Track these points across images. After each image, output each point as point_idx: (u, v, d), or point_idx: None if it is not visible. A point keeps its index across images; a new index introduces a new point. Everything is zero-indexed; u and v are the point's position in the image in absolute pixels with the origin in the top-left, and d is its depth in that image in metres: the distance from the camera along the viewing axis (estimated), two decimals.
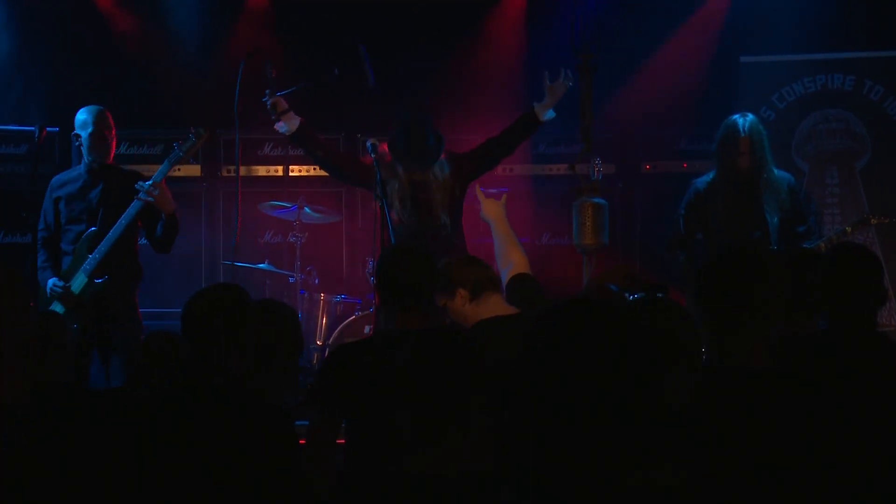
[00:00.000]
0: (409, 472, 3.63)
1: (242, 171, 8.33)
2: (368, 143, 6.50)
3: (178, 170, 8.09)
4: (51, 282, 6.37)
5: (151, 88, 8.54)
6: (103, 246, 6.31)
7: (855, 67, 7.75)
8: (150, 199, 6.28)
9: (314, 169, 8.39)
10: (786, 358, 3.03)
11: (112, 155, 6.50)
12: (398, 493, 3.63)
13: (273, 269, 7.84)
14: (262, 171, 8.44)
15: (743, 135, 6.61)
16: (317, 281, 7.89)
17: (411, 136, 6.51)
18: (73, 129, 6.49)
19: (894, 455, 3.07)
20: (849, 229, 6.89)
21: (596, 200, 6.52)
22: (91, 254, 6.33)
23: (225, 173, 8.45)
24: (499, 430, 3.77)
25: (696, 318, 2.94)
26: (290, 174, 8.37)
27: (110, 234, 6.31)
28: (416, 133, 6.51)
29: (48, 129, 7.37)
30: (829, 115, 7.76)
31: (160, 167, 6.38)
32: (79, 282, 6.34)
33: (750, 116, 6.74)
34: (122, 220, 6.31)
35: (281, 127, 6.62)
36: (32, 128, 7.40)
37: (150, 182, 6.31)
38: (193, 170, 8.37)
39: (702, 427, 2.70)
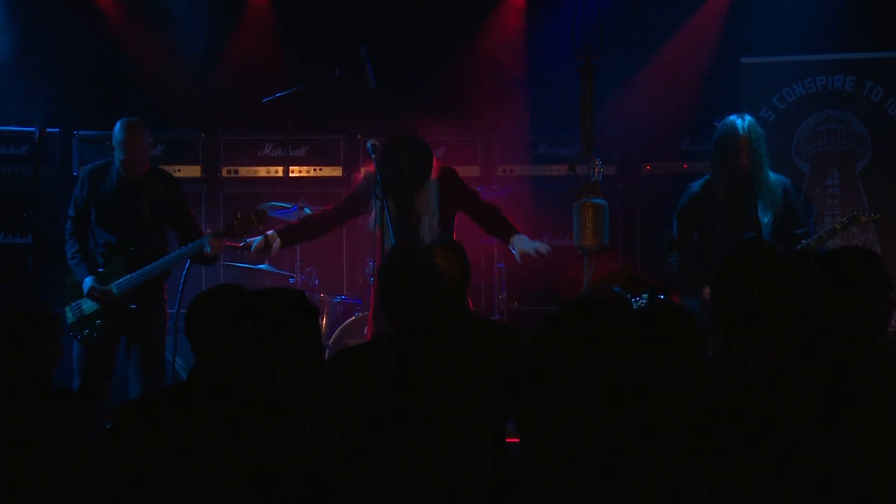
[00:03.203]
0: (411, 473, 3.62)
1: (244, 171, 8.39)
2: (369, 144, 6.47)
3: (179, 170, 8.09)
4: (90, 280, 6.39)
5: (152, 89, 8.54)
6: (139, 277, 6.38)
7: (855, 68, 7.74)
8: (214, 252, 6.52)
9: (314, 169, 8.40)
10: (796, 359, 3.03)
11: (144, 166, 6.56)
12: (399, 494, 3.63)
13: (273, 269, 7.84)
14: (262, 171, 8.44)
15: (742, 134, 6.56)
16: (317, 282, 7.89)
17: (398, 162, 6.24)
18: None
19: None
20: (839, 227, 6.80)
21: (596, 201, 6.51)
22: (127, 274, 6.37)
23: (225, 173, 8.45)
24: (499, 431, 3.78)
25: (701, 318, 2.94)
26: (291, 175, 8.35)
27: (150, 268, 6.39)
28: (402, 160, 6.24)
29: (49, 129, 7.37)
30: (830, 117, 7.75)
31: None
32: (114, 290, 6.38)
33: (748, 117, 6.71)
34: (164, 262, 6.44)
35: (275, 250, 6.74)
36: (33, 129, 7.40)
37: (215, 238, 6.49)
38: (193, 170, 8.37)
39: (712, 428, 2.71)
